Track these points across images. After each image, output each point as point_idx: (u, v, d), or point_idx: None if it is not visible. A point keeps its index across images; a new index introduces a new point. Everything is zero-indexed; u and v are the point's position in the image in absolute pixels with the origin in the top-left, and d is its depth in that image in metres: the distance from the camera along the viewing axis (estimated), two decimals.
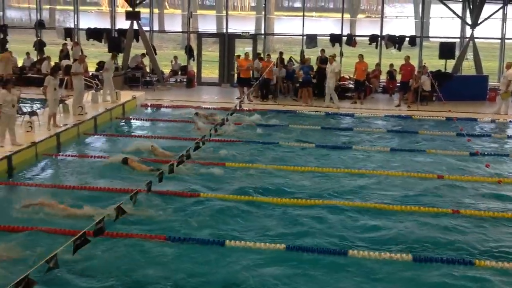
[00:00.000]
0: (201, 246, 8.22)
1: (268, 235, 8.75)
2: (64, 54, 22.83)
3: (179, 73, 24.41)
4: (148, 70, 23.87)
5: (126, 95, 19.14)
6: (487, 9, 22.35)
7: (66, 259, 6.77)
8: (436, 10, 33.93)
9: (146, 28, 24.32)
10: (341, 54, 22.70)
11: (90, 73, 21.19)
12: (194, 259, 7.86)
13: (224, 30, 25.04)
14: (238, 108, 15.94)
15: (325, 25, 36.80)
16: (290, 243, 8.35)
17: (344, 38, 23.46)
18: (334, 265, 7.80)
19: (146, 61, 23.78)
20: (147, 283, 7.20)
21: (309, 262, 7.87)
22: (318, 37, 23.49)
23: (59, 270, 6.66)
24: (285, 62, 21.79)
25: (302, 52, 23.27)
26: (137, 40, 23.57)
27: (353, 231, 8.99)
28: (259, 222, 9.28)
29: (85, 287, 7.00)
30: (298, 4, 62.81)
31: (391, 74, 22.19)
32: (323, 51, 21.59)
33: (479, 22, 22.14)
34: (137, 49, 25.05)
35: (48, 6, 39.03)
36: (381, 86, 23.13)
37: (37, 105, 18.03)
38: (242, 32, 24.58)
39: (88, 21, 29.40)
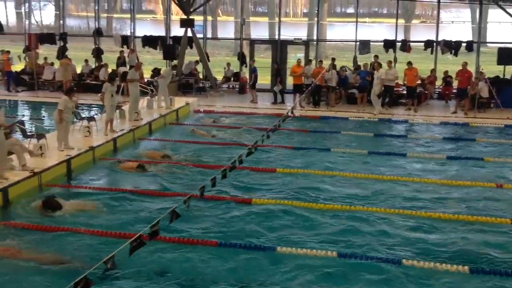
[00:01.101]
0: (252, 252, 8.24)
1: (320, 241, 8.68)
2: (121, 61, 23.44)
3: (232, 79, 24.64)
4: (201, 76, 24.22)
5: (179, 101, 19.47)
6: None
7: (122, 261, 6.95)
8: (494, 14, 32.92)
9: (200, 35, 24.69)
10: (395, 60, 22.36)
11: (146, 80, 21.67)
12: (245, 265, 7.89)
13: (277, 37, 25.12)
14: (290, 114, 15.93)
15: (378, 31, 36.35)
16: (341, 250, 8.26)
17: (398, 44, 23.12)
18: (386, 274, 7.66)
19: (200, 68, 24.12)
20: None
21: (360, 269, 7.76)
22: (371, 42, 23.25)
23: (116, 271, 6.85)
24: (337, 69, 21.65)
25: (355, 58, 23.08)
26: (191, 47, 23.96)
27: (407, 240, 8.80)
28: (311, 228, 9.22)
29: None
30: (351, 10, 62.31)
31: (446, 80, 21.70)
32: (376, 57, 21.34)
33: None
34: (190, 56, 25.45)
35: (105, 15, 40.24)
36: (437, 92, 22.65)
37: (95, 111, 18.58)
38: (295, 38, 24.59)
39: (143, 28, 30.13)
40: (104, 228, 8.95)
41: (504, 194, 11.12)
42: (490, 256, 8.24)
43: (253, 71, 22.44)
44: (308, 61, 22.20)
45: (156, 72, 22.92)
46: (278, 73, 22.06)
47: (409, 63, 20.21)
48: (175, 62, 20.52)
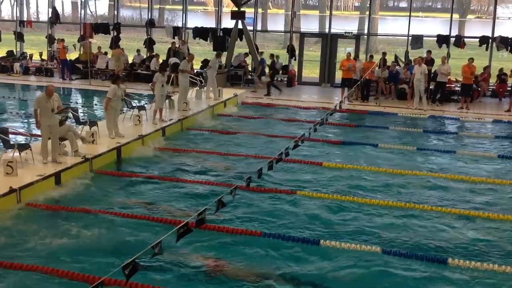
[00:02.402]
0: (295, 244, 8.28)
1: (364, 236, 8.65)
2: (172, 52, 23.79)
3: (280, 72, 24.64)
4: (250, 69, 24.31)
5: (228, 93, 19.64)
6: None
7: (170, 247, 7.13)
8: None
9: (250, 28, 24.77)
10: (448, 56, 21.86)
11: (195, 71, 21.92)
12: (288, 257, 7.94)
13: (327, 30, 24.94)
14: (338, 108, 15.84)
15: (431, 25, 35.60)
16: (386, 247, 8.20)
17: (452, 39, 22.58)
18: (430, 272, 7.57)
19: (249, 60, 24.21)
20: (238, 276, 7.37)
21: (403, 267, 7.69)
22: (424, 37, 22.79)
23: (162, 256, 7.03)
24: (388, 63, 21.36)
25: (406, 53, 22.71)
26: (241, 39, 24.07)
27: (455, 238, 8.66)
28: (355, 223, 9.19)
29: (178, 275, 7.33)
30: (404, 4, 61.18)
31: (501, 77, 21.08)
32: (429, 52, 20.93)
33: None
34: (240, 48, 25.57)
35: (158, 6, 40.79)
36: (490, 89, 22.04)
37: (145, 100, 18.96)
38: (345, 32, 24.37)
39: (195, 20, 30.44)
40: (151, 214, 9.18)
41: None
42: None
43: (260, 62, 22.37)
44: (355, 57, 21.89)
45: (205, 63, 23.16)
46: (272, 66, 21.89)
47: (471, 59, 19.62)
48: (219, 52, 20.53)
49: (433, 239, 8.61)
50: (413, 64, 20.47)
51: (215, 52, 22.54)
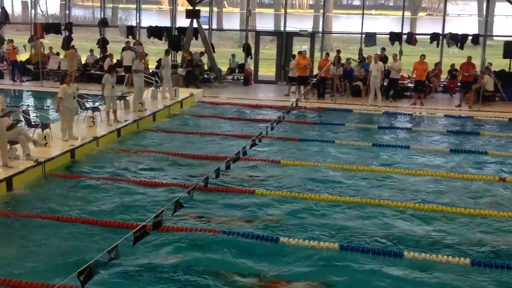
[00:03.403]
0: (255, 241, 8.28)
1: (322, 233, 8.72)
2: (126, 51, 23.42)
3: (237, 71, 24.63)
4: (206, 68, 24.21)
5: (184, 92, 19.50)
6: None
7: (125, 251, 7.03)
8: (501, 8, 32.71)
9: (205, 27, 24.65)
10: (401, 53, 22.28)
11: (150, 71, 21.67)
12: (248, 255, 7.93)
13: (282, 28, 25.06)
14: (294, 106, 15.93)
15: (384, 23, 36.16)
16: (344, 242, 8.29)
17: (404, 37, 23.03)
18: (387, 266, 7.70)
19: (205, 59, 24.10)
20: (196, 273, 7.34)
21: (361, 261, 7.79)
22: (377, 35, 23.15)
23: (119, 260, 6.90)
24: (342, 61, 21.63)
25: (360, 51, 23.03)
26: (196, 38, 23.94)
27: (411, 232, 8.83)
28: (313, 219, 9.25)
29: (141, 279, 7.23)
30: (357, 2, 62.01)
31: (452, 73, 21.64)
32: (383, 49, 21.27)
33: None
34: (195, 47, 25.42)
35: (111, 5, 40.13)
36: (442, 85, 22.59)
37: (99, 101, 18.60)
38: (300, 30, 24.53)
39: (149, 19, 30.08)
40: (106, 217, 9.01)
41: (508, 187, 11.10)
42: (492, 249, 8.25)
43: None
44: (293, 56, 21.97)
45: (160, 63, 22.93)
46: (190, 62, 21.96)
47: (422, 56, 20.05)
48: (168, 50, 20.24)
49: (389, 233, 8.75)
50: (366, 61, 20.80)
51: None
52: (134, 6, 26.93)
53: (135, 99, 16.60)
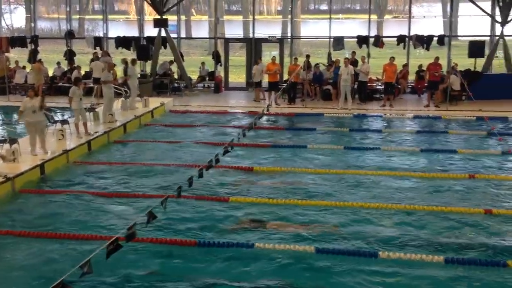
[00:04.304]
0: (230, 249, 8.25)
1: (297, 237, 8.73)
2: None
3: (207, 78, 24.61)
4: (176, 76, 24.13)
5: (154, 102, 19.38)
6: None
7: (99, 265, 6.93)
8: (465, 8, 33.44)
9: (174, 35, 24.59)
10: (369, 56, 22.57)
11: (119, 81, 21.48)
12: (224, 263, 7.90)
13: (251, 35, 25.14)
14: (266, 112, 15.97)
15: (352, 27, 36.62)
16: (318, 245, 8.32)
17: (372, 40, 23.32)
18: (362, 266, 7.75)
19: (174, 67, 24.03)
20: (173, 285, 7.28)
21: (337, 264, 7.83)
22: (345, 39, 23.41)
23: (93, 275, 6.79)
24: (312, 65, 21.79)
25: (329, 55, 23.23)
26: (165, 47, 23.86)
27: (378, 231, 8.90)
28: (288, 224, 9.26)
29: None
30: (324, 7, 62.65)
31: (419, 74, 21.98)
32: (354, 53, 21.52)
33: (509, 19, 21.76)
34: (165, 56, 25.32)
35: (77, 16, 39.81)
36: (410, 86, 22.92)
37: (68, 114, 18.36)
38: (269, 36, 24.66)
39: (116, 29, 29.90)
40: (79, 231, 8.88)
41: (476, 184, 11.30)
42: (464, 246, 8.37)
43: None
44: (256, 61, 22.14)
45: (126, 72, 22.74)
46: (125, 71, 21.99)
47: (392, 58, 20.31)
48: (134, 59, 20.07)
49: (364, 233, 8.81)
50: (335, 65, 21.00)
51: (139, 62, 22.27)
52: (101, 16, 26.74)
53: (105, 110, 16.43)
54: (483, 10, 22.96)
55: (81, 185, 11.46)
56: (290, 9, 27.03)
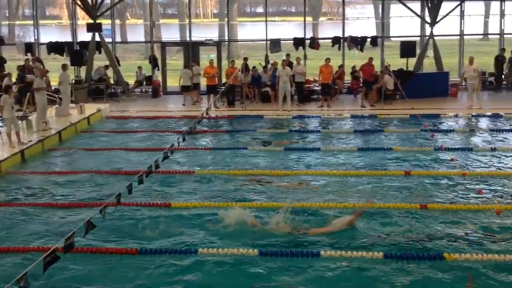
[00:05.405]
0: (173, 256, 8.16)
1: (241, 240, 8.73)
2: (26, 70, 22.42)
3: (144, 83, 24.28)
4: (112, 81, 23.69)
5: (90, 108, 18.94)
6: (445, 6, 22.87)
7: (37, 278, 6.70)
8: (396, 10, 34.48)
9: (108, 40, 24.13)
10: (305, 57, 22.91)
11: (53, 88, 20.89)
12: (168, 270, 7.80)
13: (188, 38, 25.00)
14: (205, 115, 15.91)
15: (288, 29, 37.06)
16: (261, 248, 8.35)
17: (308, 41, 23.68)
18: (306, 266, 7.84)
19: (110, 72, 23.58)
20: None
21: (280, 267, 7.88)
22: (281, 41, 23.67)
23: None
24: (250, 68, 21.89)
25: (266, 57, 23.41)
26: (100, 52, 23.39)
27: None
28: (231, 227, 9.23)
29: None
30: (260, 10, 63.07)
31: (354, 75, 22.50)
32: (288, 55, 21.78)
33: (437, 20, 22.63)
34: (100, 61, 24.81)
35: (7, 22, 38.39)
36: (346, 87, 23.42)
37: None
38: (206, 40, 24.61)
39: (49, 35, 29.03)
40: (14, 244, 8.55)
41: (412, 180, 11.65)
42: (402, 241, 8.60)
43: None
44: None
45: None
46: (22, 79, 21.72)
47: (328, 59, 20.65)
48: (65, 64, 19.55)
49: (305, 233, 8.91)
50: (272, 67, 21.19)
51: (74, 68, 21.73)
52: (32, 22, 25.90)
53: (38, 118, 15.92)
54: (413, 11, 23.78)
55: (15, 195, 11.04)
56: (226, 12, 27.06)
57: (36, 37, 24.96)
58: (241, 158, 13.63)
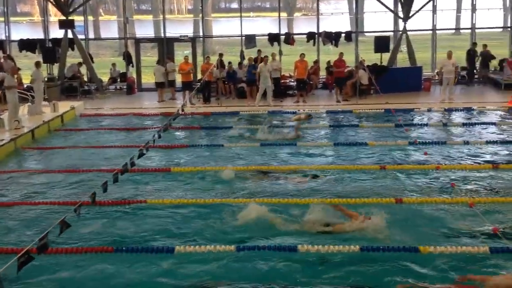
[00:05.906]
0: (150, 254, 8.10)
1: (220, 236, 8.72)
2: None
3: (119, 80, 24.06)
4: (85, 79, 23.42)
5: (64, 106, 18.69)
6: (418, 1, 23.10)
7: (10, 279, 6.60)
8: (370, 5, 34.76)
9: (81, 36, 23.86)
10: (280, 53, 22.94)
11: (25, 86, 20.58)
12: (145, 269, 7.75)
13: (162, 35, 24.83)
14: (180, 112, 15.83)
15: (263, 24, 37.04)
16: (240, 244, 8.35)
17: (282, 37, 23.70)
18: (283, 261, 7.87)
19: (83, 70, 23.31)
20: None
21: (256, 260, 7.89)
22: (256, 37, 23.66)
23: None
24: (226, 64, 21.85)
25: (241, 53, 23.37)
26: (73, 49, 23.11)
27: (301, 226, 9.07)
28: (209, 225, 9.22)
29: None
30: (235, 5, 62.98)
31: (329, 70, 22.61)
32: (259, 51, 21.78)
33: (410, 15, 22.86)
34: (73, 58, 24.50)
35: None
36: (321, 82, 23.53)
37: None
38: (181, 36, 24.49)
39: (20, 32, 28.58)
40: None
41: (387, 174, 11.77)
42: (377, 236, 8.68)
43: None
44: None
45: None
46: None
47: (302, 55, 20.72)
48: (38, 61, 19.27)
49: (288, 227, 8.93)
50: (249, 63, 21.17)
51: (46, 65, 21.43)
52: (2, 19, 25.45)
53: (10, 117, 15.67)
54: (386, 7, 23.98)
55: None
56: (201, 8, 26.91)
57: (7, 34, 24.54)
58: (217, 154, 13.59)
